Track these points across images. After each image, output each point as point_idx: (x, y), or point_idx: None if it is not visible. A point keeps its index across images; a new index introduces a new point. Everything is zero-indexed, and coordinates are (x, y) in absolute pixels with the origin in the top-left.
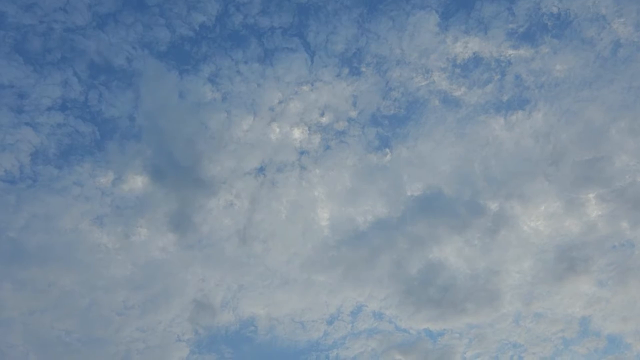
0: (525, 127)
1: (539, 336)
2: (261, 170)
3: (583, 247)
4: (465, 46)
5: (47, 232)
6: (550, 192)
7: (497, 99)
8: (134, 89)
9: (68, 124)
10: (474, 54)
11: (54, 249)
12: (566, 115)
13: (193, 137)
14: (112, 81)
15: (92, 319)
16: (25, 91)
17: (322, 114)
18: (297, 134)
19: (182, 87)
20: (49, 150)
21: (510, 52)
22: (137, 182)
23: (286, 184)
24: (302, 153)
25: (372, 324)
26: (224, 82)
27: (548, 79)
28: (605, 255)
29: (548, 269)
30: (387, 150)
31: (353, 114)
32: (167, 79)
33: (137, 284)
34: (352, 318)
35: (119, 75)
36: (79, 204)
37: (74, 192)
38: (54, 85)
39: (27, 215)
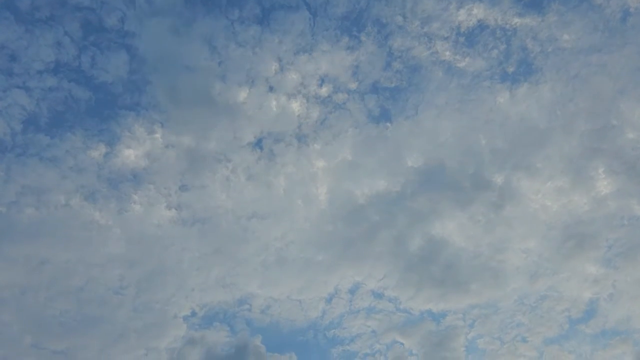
0: (532, 99)
1: (543, 316)
2: (258, 144)
3: (591, 222)
4: (470, 13)
5: (38, 207)
6: (557, 164)
7: (502, 70)
8: (128, 50)
9: (61, 87)
10: (478, 21)
11: (46, 225)
12: (574, 82)
13: (187, 106)
14: (104, 42)
15: (87, 298)
16: (17, 53)
17: (321, 85)
18: (295, 106)
19: (177, 50)
20: (41, 116)
21: (516, 20)
22: (131, 155)
23: (284, 159)
24: (300, 126)
25: (370, 303)
26: (219, 45)
27: (555, 48)
28: (614, 231)
29: (554, 247)
30: (388, 124)
31: (353, 85)
32: (160, 42)
33: (133, 261)
34: (350, 296)
35: (111, 35)
36: (73, 175)
37: (67, 163)
38: (46, 46)
39: (18, 188)
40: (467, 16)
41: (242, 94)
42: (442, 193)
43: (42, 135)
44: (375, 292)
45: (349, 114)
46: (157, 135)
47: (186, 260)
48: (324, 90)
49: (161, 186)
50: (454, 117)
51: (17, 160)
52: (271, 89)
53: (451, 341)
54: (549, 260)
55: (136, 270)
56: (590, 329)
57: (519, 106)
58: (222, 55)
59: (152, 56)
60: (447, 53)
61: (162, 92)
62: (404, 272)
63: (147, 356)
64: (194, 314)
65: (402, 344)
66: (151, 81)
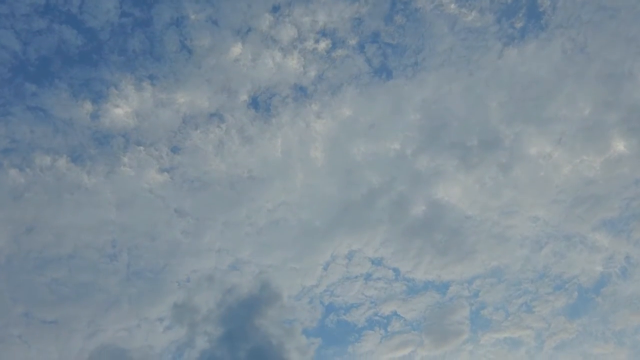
0: (542, 50)
1: (550, 285)
2: (253, 103)
3: (604, 185)
4: None
5: (23, 169)
6: (569, 120)
7: (510, 24)
8: None
9: (51, 30)
10: None
11: (32, 188)
12: (586, 28)
13: (177, 61)
14: None
15: (78, 265)
16: None
17: (319, 40)
18: (292, 62)
19: None
20: (28, 63)
21: None
22: (119, 114)
23: (280, 120)
24: (297, 84)
25: (369, 270)
26: None
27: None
28: (627, 195)
29: (565, 213)
30: (390, 81)
31: (353, 41)
32: None
33: (124, 226)
34: (347, 261)
35: None
36: (59, 133)
37: (54, 117)
38: None
39: (2, 145)
40: None
41: (236, 49)
42: (446, 152)
43: (29, 83)
44: (374, 260)
45: (348, 70)
46: (147, 93)
47: (176, 224)
48: (322, 46)
49: (152, 147)
50: (459, 72)
51: (3, 110)
52: (266, 43)
53: (454, 313)
54: (559, 227)
55: (127, 236)
56: (601, 299)
57: (528, 59)
58: (214, 4)
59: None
60: (453, 6)
61: (151, 43)
62: (405, 239)
63: (140, 327)
64: (188, 280)
65: (403, 317)
66: (141, 29)
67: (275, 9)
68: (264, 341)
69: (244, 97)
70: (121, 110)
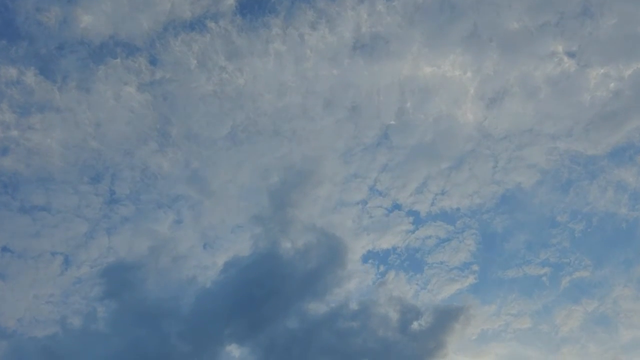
0: None
1: (567, 211)
2: (240, 10)
3: (634, 96)
4: None
5: None
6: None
7: None
8: None
9: None
10: None
11: None
12: None
13: None
14: None
15: (56, 189)
16: None
17: None
18: None
19: None
20: None
21: None
22: (89, 17)
23: (269, 32)
24: None
25: (365, 196)
26: None
27: None
28: None
29: (587, 132)
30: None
31: None
32: None
33: (100, 148)
34: (342, 187)
35: None
36: (28, 33)
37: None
38: None
39: None
40: None
41: None
42: (454, 51)
43: None
44: (372, 188)
45: None
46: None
47: (160, 148)
48: None
49: (129, 60)
50: None
51: None
52: None
53: (462, 249)
54: (579, 150)
55: (104, 160)
56: (624, 238)
57: None
58: None
59: None
60: None
61: None
62: (407, 164)
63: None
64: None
65: (404, 254)
66: None
67: None
68: None
69: (229, 0)
70: (92, 14)
